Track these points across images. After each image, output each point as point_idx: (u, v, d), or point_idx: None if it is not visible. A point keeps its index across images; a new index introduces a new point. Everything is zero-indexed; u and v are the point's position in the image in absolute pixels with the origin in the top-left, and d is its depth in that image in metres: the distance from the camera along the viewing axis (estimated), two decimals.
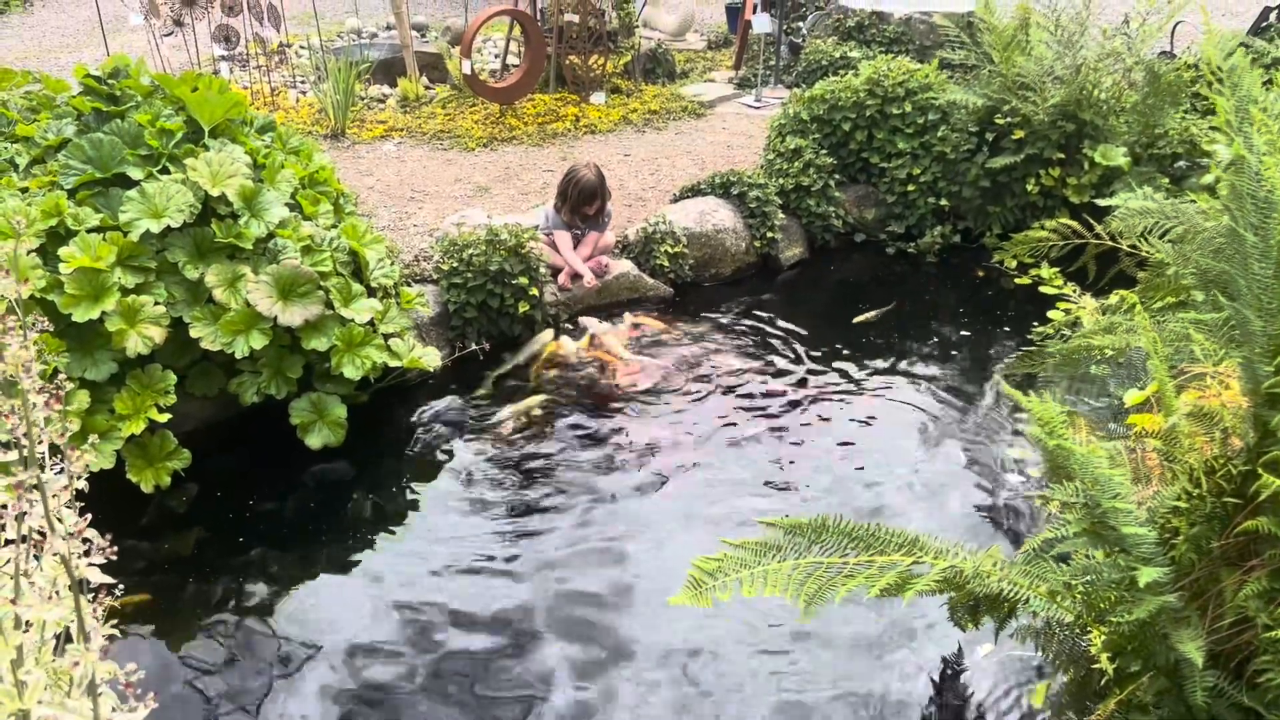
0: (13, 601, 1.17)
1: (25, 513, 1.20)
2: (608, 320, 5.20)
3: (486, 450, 4.17)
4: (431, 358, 4.30)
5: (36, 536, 1.31)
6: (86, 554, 1.25)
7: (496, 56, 9.32)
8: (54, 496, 1.23)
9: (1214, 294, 2.52)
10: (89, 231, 3.74)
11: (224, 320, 3.83)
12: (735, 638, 3.17)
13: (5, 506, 1.23)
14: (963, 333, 5.26)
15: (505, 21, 8.83)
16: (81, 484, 1.33)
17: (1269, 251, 1.85)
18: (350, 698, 2.96)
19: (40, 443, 1.21)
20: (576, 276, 5.29)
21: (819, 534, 2.18)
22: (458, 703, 2.95)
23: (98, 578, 1.21)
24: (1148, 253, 3.52)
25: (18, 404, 1.16)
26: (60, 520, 1.21)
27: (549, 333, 4.95)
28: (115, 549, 1.24)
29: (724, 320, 5.30)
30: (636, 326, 5.13)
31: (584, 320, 5.15)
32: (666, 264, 5.54)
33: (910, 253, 6.20)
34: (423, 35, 10.40)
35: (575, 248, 5.40)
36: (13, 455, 1.24)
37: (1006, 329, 5.28)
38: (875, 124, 6.24)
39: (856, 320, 5.16)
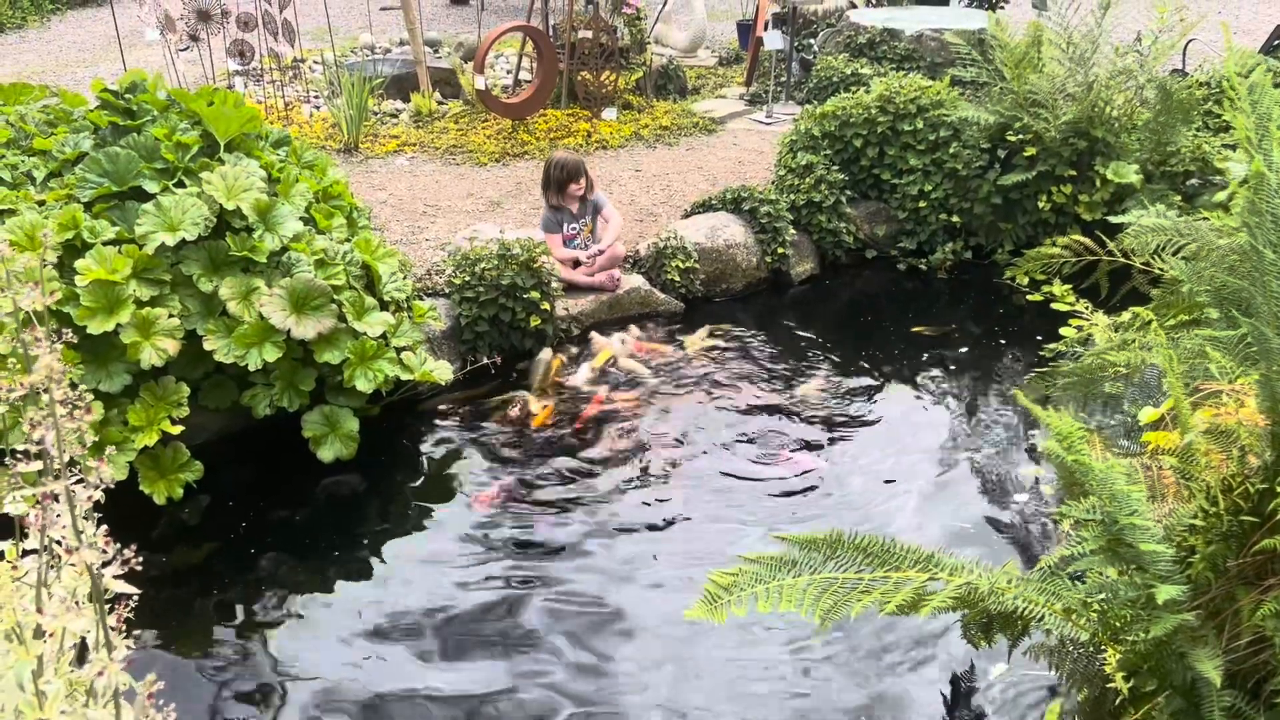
0: (38, 611, 1.18)
1: (48, 523, 1.20)
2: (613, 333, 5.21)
3: (496, 464, 4.17)
4: (443, 371, 4.30)
5: (55, 546, 1.31)
6: (106, 565, 1.26)
7: (509, 72, 9.37)
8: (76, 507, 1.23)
9: (1229, 311, 2.52)
10: (105, 244, 3.77)
11: (237, 333, 3.85)
12: (739, 656, 3.16)
13: (26, 516, 1.24)
14: (974, 349, 5.25)
15: (518, 38, 8.88)
16: (98, 495, 1.33)
17: None
18: (360, 710, 2.96)
19: (64, 454, 1.21)
20: (576, 264, 5.43)
21: (834, 549, 2.18)
22: (465, 716, 2.95)
23: (122, 588, 1.22)
24: (1160, 270, 3.51)
25: (44, 414, 1.16)
26: (81, 531, 1.21)
27: (548, 351, 4.95)
28: (141, 559, 1.24)
29: (734, 336, 5.30)
30: (640, 348, 5.13)
31: (594, 337, 5.17)
32: (677, 279, 5.55)
33: (921, 269, 6.20)
34: (436, 51, 10.46)
35: (588, 253, 5.45)
36: (35, 466, 1.25)
37: (1018, 346, 5.27)
38: (887, 140, 6.25)
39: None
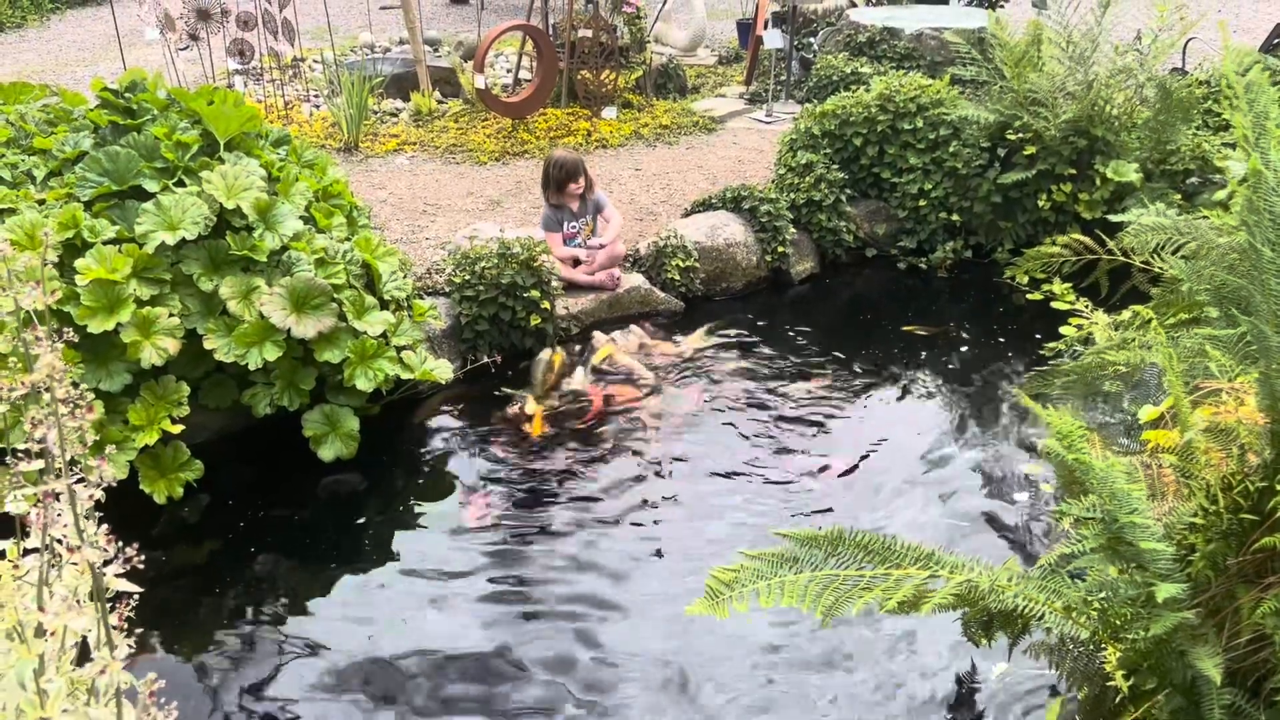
0: (40, 609, 1.18)
1: (50, 522, 1.20)
2: (615, 332, 5.21)
3: (496, 464, 4.17)
4: (443, 370, 4.31)
5: (57, 545, 1.31)
6: (108, 563, 1.26)
7: (509, 71, 9.37)
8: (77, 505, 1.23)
9: (1229, 310, 2.52)
10: (105, 243, 3.77)
11: (238, 332, 3.85)
12: (738, 655, 3.16)
13: (28, 514, 1.24)
14: (974, 348, 5.25)
15: (518, 37, 8.88)
16: (98, 494, 1.33)
17: None
18: (360, 708, 2.96)
19: (65, 452, 1.22)
20: (576, 263, 5.45)
21: (835, 546, 2.18)
22: (470, 712, 2.95)
23: (124, 586, 1.22)
24: (1160, 269, 3.51)
25: (46, 412, 1.17)
26: (83, 530, 1.21)
27: (547, 351, 4.95)
28: (143, 558, 1.25)
29: (734, 335, 5.30)
30: (641, 346, 5.11)
31: (596, 335, 5.17)
32: (677, 278, 5.55)
33: (921, 268, 6.20)
34: (435, 50, 10.46)
35: (586, 254, 5.46)
36: (36, 465, 1.25)
37: (1018, 345, 5.27)
38: (887, 139, 6.25)
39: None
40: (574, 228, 5.55)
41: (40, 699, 1.16)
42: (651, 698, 2.99)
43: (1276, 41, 7.96)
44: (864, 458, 4.21)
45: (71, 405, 1.21)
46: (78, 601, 1.24)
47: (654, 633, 3.24)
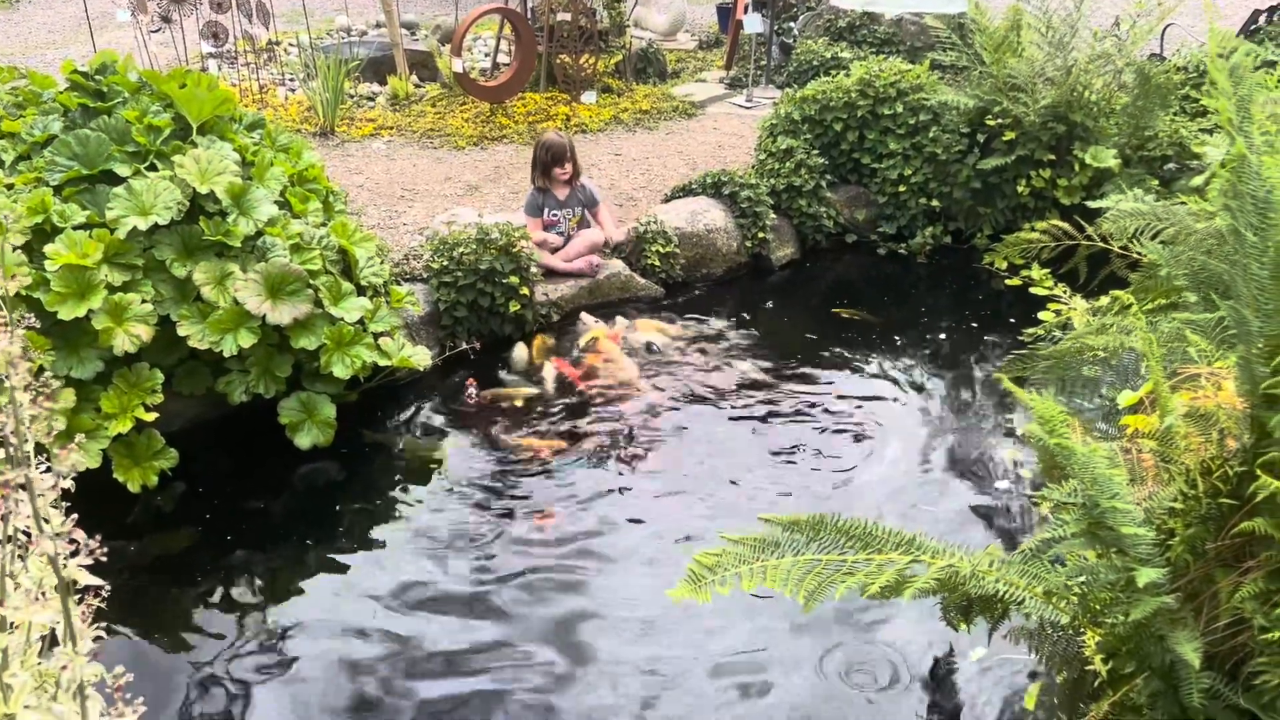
0: (0, 602, 1.15)
1: (10, 512, 1.17)
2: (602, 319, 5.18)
3: (475, 451, 4.14)
4: (421, 357, 4.27)
5: (22, 537, 1.28)
6: (74, 555, 1.23)
7: (487, 55, 9.29)
8: (40, 496, 1.20)
9: (1207, 294, 2.52)
10: (75, 229, 3.70)
11: (212, 318, 3.80)
12: (719, 639, 3.16)
13: None
14: (954, 334, 5.26)
15: (496, 20, 8.80)
16: (67, 483, 1.30)
17: (1267, 251, 1.84)
18: (336, 700, 2.94)
19: (26, 441, 1.18)
20: (556, 250, 5.38)
21: (817, 531, 2.17)
22: (445, 705, 2.93)
23: (86, 579, 1.19)
24: (1139, 254, 3.52)
25: (4, 401, 1.13)
26: (47, 520, 1.18)
27: (521, 345, 4.89)
28: (105, 550, 1.22)
29: (715, 321, 5.29)
30: (620, 336, 5.07)
31: (584, 317, 5.13)
32: (658, 264, 5.53)
33: (901, 253, 6.20)
34: (412, 33, 10.35)
35: (566, 244, 5.41)
36: None
37: (997, 330, 5.28)
38: (866, 124, 6.24)
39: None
40: (556, 216, 5.47)
41: (4, 694, 1.13)
42: (627, 682, 2.99)
43: (1254, 27, 8.00)
44: (842, 443, 4.21)
45: (34, 393, 1.18)
46: (43, 594, 1.21)
47: (640, 614, 3.24)
